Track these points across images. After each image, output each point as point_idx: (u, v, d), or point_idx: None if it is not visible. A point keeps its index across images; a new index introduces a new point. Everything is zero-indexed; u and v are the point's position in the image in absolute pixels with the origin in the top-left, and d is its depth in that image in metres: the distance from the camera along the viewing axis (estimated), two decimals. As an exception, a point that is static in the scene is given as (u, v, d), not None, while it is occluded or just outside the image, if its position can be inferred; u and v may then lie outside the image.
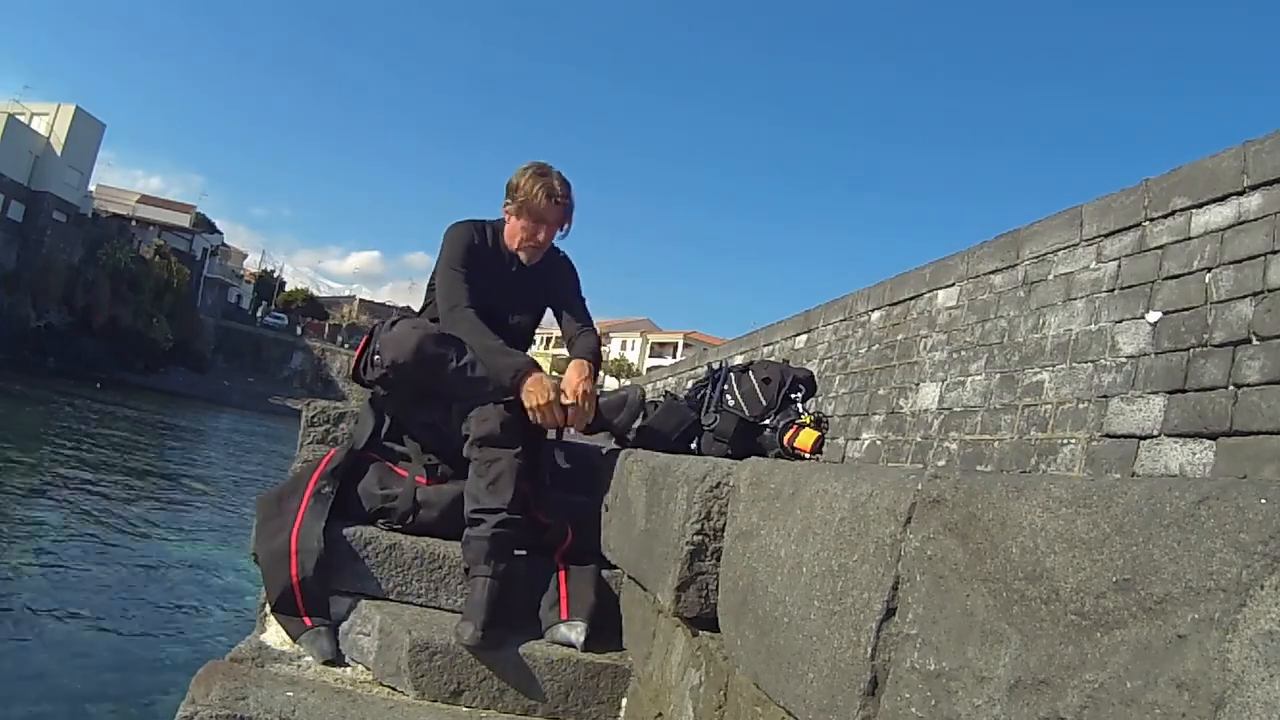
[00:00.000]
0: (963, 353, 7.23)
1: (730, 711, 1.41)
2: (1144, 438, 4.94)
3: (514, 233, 2.61)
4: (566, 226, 2.66)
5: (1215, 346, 4.62)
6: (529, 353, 2.72)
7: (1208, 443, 4.49)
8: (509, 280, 2.63)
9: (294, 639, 2.08)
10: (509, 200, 2.60)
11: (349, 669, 2.06)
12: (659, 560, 1.82)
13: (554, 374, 2.63)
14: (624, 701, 2.03)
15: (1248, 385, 4.34)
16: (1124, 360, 5.30)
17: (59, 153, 40.94)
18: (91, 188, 45.86)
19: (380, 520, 2.30)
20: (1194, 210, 5.08)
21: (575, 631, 2.10)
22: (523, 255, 2.61)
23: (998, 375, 6.61)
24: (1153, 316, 5.15)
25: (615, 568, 2.36)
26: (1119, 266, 5.64)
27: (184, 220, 51.58)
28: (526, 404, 2.30)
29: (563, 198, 2.59)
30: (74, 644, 5.85)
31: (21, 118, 40.26)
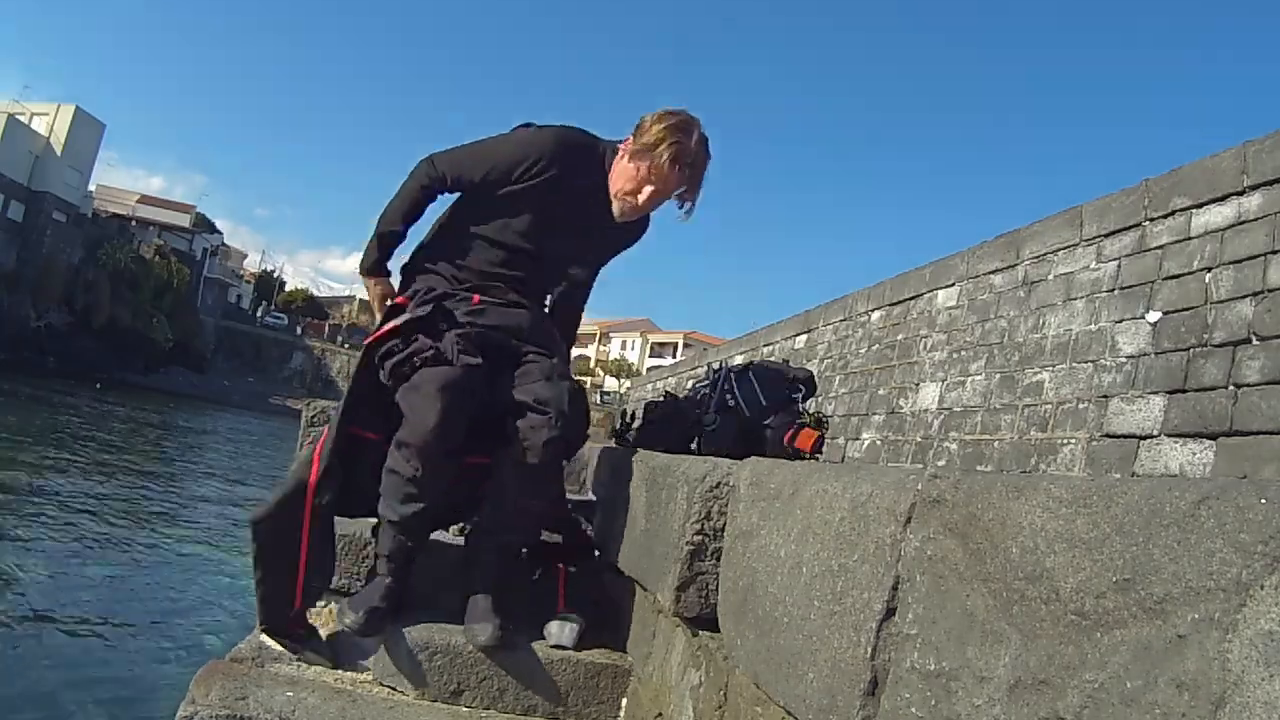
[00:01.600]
0: (963, 353, 7.23)
1: (730, 711, 1.41)
2: (1144, 438, 4.94)
3: (617, 176, 2.12)
4: (689, 203, 2.15)
5: (1215, 346, 4.62)
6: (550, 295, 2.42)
7: (1208, 443, 4.49)
8: (585, 212, 2.16)
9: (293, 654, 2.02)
10: (632, 137, 2.10)
11: (350, 672, 2.06)
12: (659, 560, 1.82)
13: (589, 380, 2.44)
14: (624, 701, 2.03)
15: (1248, 385, 4.34)
16: (1124, 360, 5.30)
17: (59, 153, 40.96)
18: (91, 188, 45.88)
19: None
20: (1194, 210, 5.08)
21: (566, 631, 2.07)
22: (615, 206, 2.13)
23: (998, 375, 6.61)
24: (1153, 316, 5.15)
25: (617, 568, 2.37)
26: (1119, 266, 5.64)
27: (184, 220, 51.60)
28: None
29: (693, 166, 2.08)
30: (73, 644, 5.84)
31: (21, 118, 40.28)
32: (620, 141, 2.15)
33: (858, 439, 8.65)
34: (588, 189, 2.14)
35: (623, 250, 2.42)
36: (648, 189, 2.08)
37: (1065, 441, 5.59)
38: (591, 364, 64.49)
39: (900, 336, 8.47)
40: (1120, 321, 5.45)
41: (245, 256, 70.15)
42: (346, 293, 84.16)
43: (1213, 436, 4.47)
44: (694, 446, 3.12)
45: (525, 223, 2.16)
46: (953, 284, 7.74)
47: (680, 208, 2.16)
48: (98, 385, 34.46)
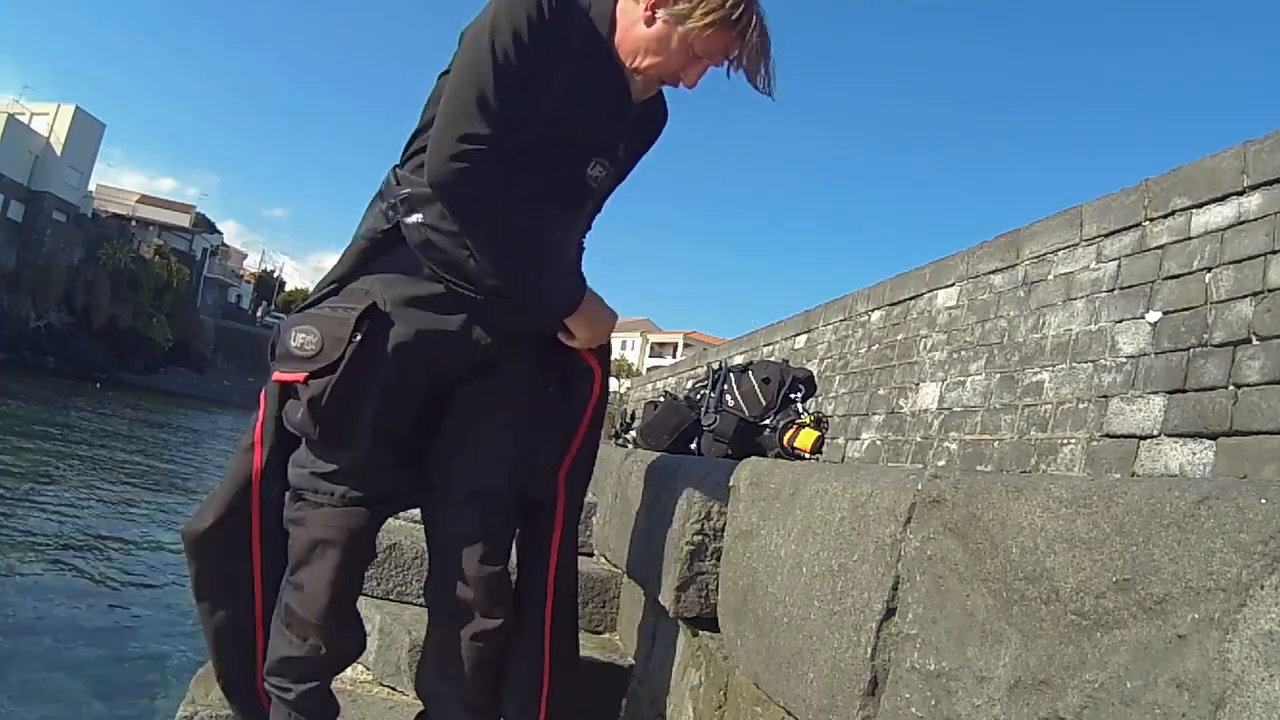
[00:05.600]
0: (963, 353, 7.23)
1: (730, 711, 1.41)
2: (1144, 438, 4.94)
3: (646, 42, 1.42)
4: (763, 73, 1.46)
5: (1215, 346, 4.62)
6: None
7: (1208, 443, 4.49)
8: (606, 101, 1.47)
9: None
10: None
11: (349, 669, 2.06)
12: (659, 560, 1.82)
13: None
14: (624, 701, 2.03)
15: (1248, 385, 4.35)
16: (1124, 360, 5.30)
17: (59, 153, 40.98)
18: (91, 188, 45.92)
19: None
20: (1194, 210, 5.08)
21: None
22: (639, 81, 1.46)
23: (998, 375, 6.61)
24: (1153, 316, 5.15)
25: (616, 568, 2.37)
26: (1119, 266, 5.64)
27: (184, 220, 51.60)
28: (577, 340, 1.51)
29: (759, 37, 1.43)
30: (73, 644, 5.85)
31: (21, 118, 40.31)
32: None
33: (858, 439, 8.65)
34: (586, 52, 1.43)
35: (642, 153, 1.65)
36: (697, 69, 1.45)
37: (1065, 441, 5.59)
38: (591, 364, 64.34)
39: (900, 336, 8.47)
40: (1120, 321, 5.45)
41: (245, 256, 70.20)
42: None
43: (1213, 436, 4.47)
44: (694, 446, 3.13)
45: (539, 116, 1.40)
46: (953, 284, 7.74)
47: (753, 78, 1.46)
48: (97, 385, 34.46)
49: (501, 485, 1.47)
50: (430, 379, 1.46)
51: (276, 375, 1.41)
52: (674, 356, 47.02)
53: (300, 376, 1.37)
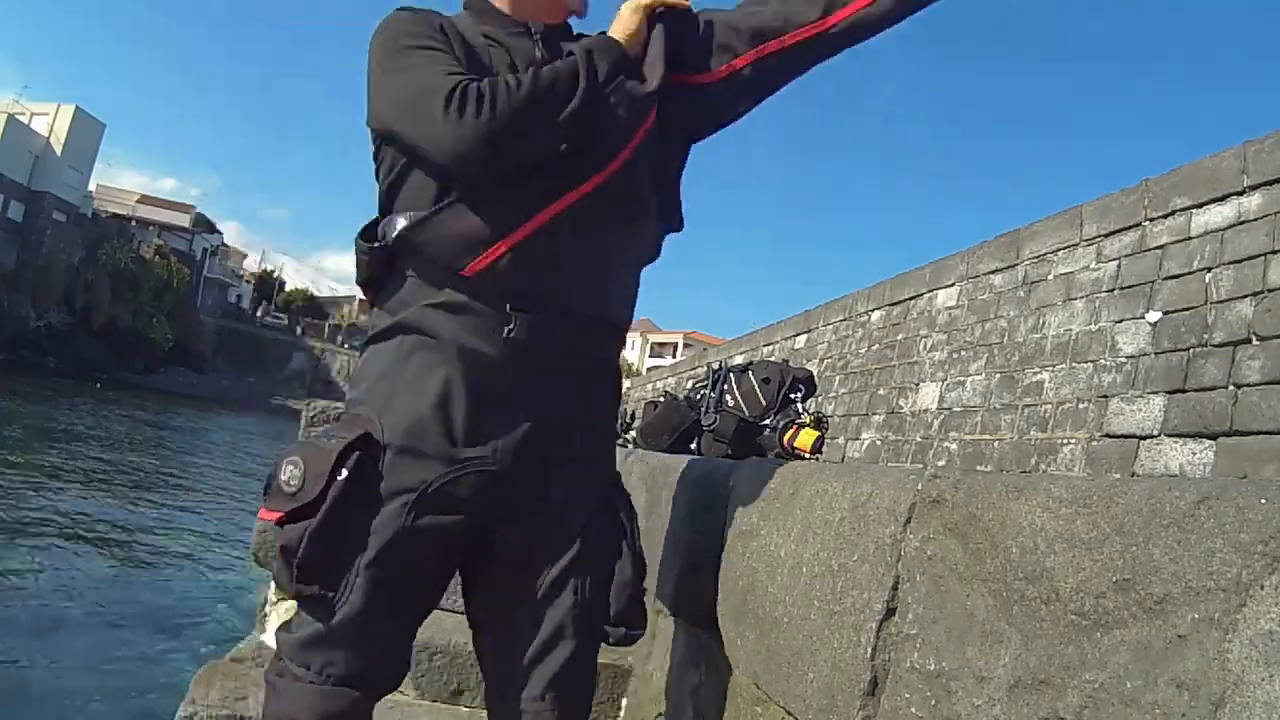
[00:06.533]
0: (963, 353, 7.23)
1: (730, 711, 1.41)
2: (1144, 438, 4.94)
3: None
4: None
5: (1215, 346, 4.62)
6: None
7: (1208, 443, 4.49)
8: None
9: None
10: None
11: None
12: (658, 560, 1.82)
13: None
14: (624, 701, 2.03)
15: (1248, 385, 4.35)
16: (1124, 360, 5.30)
17: (59, 153, 41.02)
18: (91, 188, 45.95)
19: None
20: (1194, 210, 5.08)
21: None
22: (529, 7, 1.26)
23: (998, 375, 6.61)
24: (1153, 316, 5.15)
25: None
26: (1119, 266, 5.64)
27: (184, 220, 51.63)
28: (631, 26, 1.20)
29: None
30: (73, 644, 5.85)
31: (21, 118, 40.33)
32: None
33: (858, 439, 8.65)
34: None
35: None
36: None
37: (1065, 441, 5.59)
38: (591, 364, 64.26)
39: (900, 336, 8.47)
40: (1120, 321, 5.45)
41: (245, 256, 70.23)
42: (347, 293, 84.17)
43: (1213, 436, 4.47)
44: (694, 446, 3.13)
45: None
46: (953, 284, 7.74)
47: None
48: (98, 385, 34.47)
49: (582, 685, 1.22)
50: (458, 523, 1.14)
51: (261, 512, 1.15)
52: (674, 356, 46.99)
53: (275, 516, 1.10)
